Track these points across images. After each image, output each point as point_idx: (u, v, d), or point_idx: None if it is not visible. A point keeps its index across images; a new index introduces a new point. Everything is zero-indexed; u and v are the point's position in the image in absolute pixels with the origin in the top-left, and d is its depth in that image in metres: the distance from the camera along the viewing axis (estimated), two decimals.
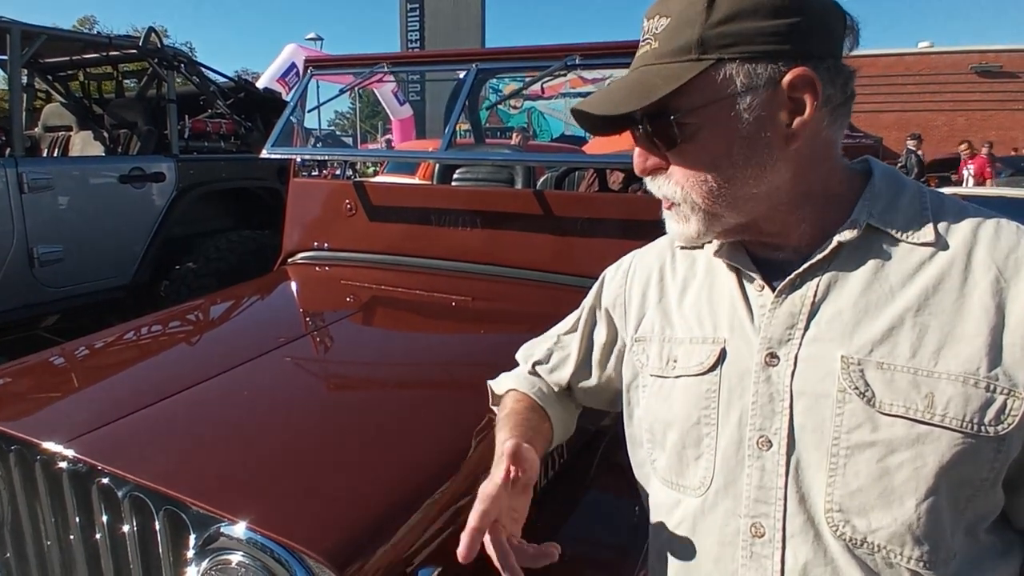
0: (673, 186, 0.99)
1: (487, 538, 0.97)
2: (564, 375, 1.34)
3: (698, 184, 0.96)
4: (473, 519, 0.98)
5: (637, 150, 1.01)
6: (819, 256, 0.96)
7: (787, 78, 0.90)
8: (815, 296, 0.96)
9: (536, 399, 1.32)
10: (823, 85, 0.91)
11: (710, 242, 1.12)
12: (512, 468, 1.01)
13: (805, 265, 0.97)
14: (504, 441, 1.11)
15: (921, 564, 0.87)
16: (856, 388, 0.89)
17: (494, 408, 1.46)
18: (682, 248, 1.18)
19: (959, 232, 0.94)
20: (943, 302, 0.90)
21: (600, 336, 1.30)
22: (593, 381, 1.32)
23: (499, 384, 1.43)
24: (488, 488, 1.01)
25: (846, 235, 0.96)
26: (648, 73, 0.95)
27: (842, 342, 0.92)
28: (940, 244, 0.94)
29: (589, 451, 1.89)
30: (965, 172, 14.20)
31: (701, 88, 0.91)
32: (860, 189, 1.01)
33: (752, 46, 0.90)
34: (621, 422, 1.26)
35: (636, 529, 1.58)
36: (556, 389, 1.36)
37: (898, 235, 0.95)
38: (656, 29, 0.94)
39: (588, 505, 1.82)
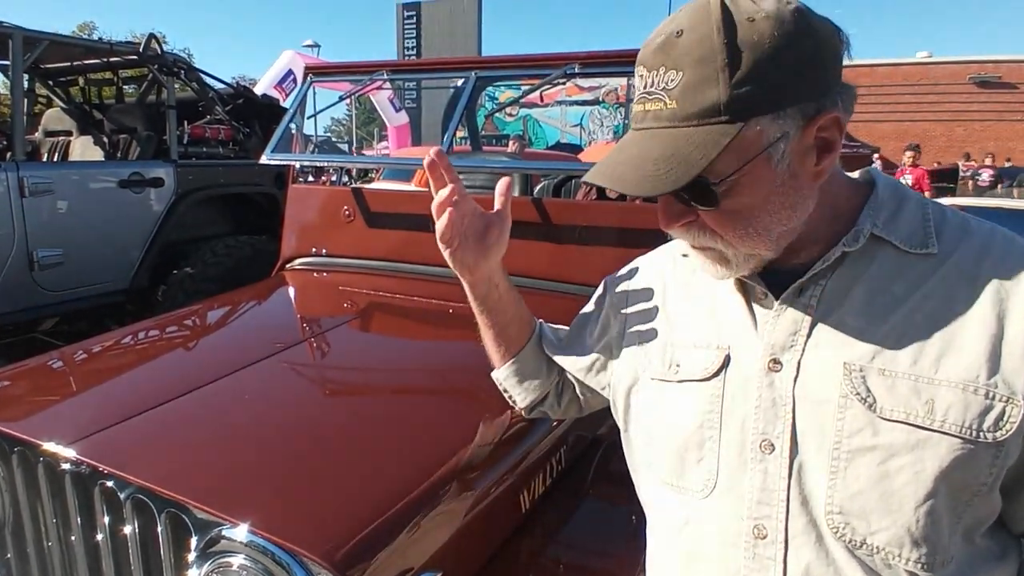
0: (710, 237, 0.97)
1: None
2: (558, 348, 1.36)
3: (736, 235, 0.95)
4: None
5: (663, 210, 0.98)
6: (823, 265, 0.98)
7: (818, 122, 0.89)
8: (818, 304, 0.98)
9: (535, 330, 1.38)
10: (843, 116, 0.91)
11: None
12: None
13: (809, 273, 0.98)
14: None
15: (919, 566, 0.89)
16: (858, 394, 0.91)
17: (494, 378, 1.46)
18: (685, 256, 1.19)
19: (961, 243, 0.96)
20: (944, 311, 0.91)
21: (594, 339, 1.30)
22: (586, 378, 1.32)
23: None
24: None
25: (850, 245, 0.97)
26: (675, 139, 0.90)
27: (845, 349, 0.94)
28: (942, 254, 0.95)
29: (586, 459, 1.90)
30: (902, 180, 14.14)
31: (735, 149, 0.88)
32: (863, 200, 1.02)
33: (780, 98, 0.88)
34: (618, 429, 1.27)
35: (634, 537, 1.57)
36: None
37: (901, 245, 0.97)
38: (668, 84, 0.89)
39: (585, 513, 1.82)
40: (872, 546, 0.90)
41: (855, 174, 1.08)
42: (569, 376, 1.36)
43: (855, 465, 0.90)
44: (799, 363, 0.97)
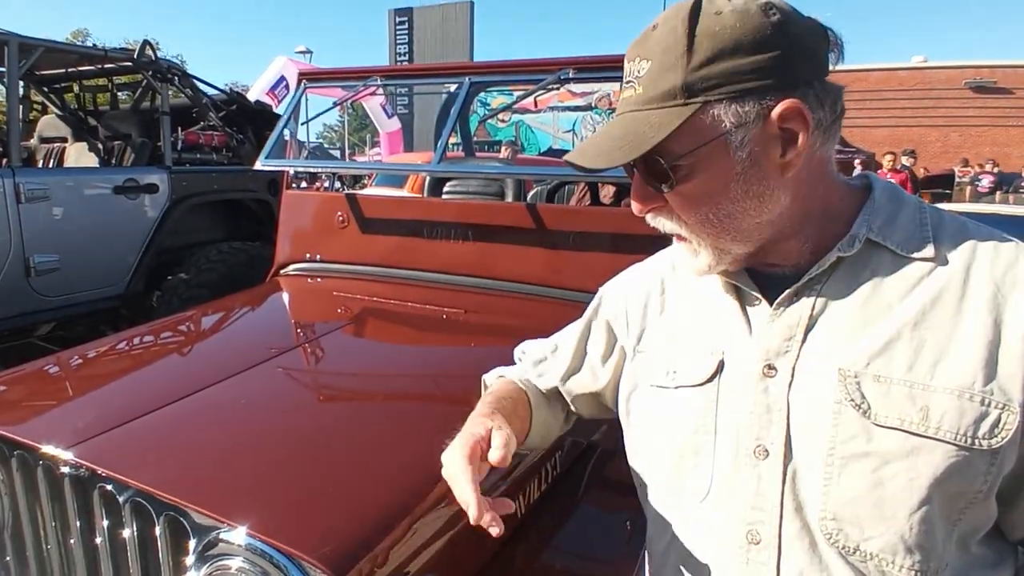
0: (676, 222, 1.00)
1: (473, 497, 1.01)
2: (553, 379, 1.35)
3: (699, 221, 0.97)
4: (468, 492, 1.01)
5: (634, 193, 1.01)
6: (818, 270, 0.98)
7: (776, 111, 0.90)
8: (813, 309, 0.97)
9: (522, 387, 1.34)
10: (812, 110, 0.91)
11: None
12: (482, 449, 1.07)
13: (804, 279, 0.98)
14: (478, 414, 1.17)
15: (913, 573, 0.89)
16: (852, 400, 0.90)
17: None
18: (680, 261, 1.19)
19: (958, 247, 0.95)
20: (941, 316, 0.91)
21: (597, 347, 1.30)
22: (581, 387, 1.33)
23: (491, 375, 1.45)
24: (460, 464, 1.05)
25: (845, 249, 0.97)
26: (636, 121, 0.94)
27: (840, 354, 0.93)
28: (939, 259, 0.95)
29: (580, 464, 1.90)
30: None
31: (690, 132, 0.91)
32: (860, 204, 1.02)
33: (737, 85, 0.89)
34: (612, 435, 1.28)
35: (628, 543, 1.60)
36: (544, 390, 1.37)
37: (897, 250, 0.96)
38: (638, 72, 0.95)
39: (580, 518, 1.82)
40: (865, 552, 0.90)
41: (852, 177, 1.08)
42: (576, 393, 1.35)
43: (849, 471, 0.90)
44: (794, 368, 0.96)
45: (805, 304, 0.98)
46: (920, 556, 0.88)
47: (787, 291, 0.99)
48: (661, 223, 1.02)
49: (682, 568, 1.07)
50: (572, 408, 1.39)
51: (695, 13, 0.90)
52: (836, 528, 0.91)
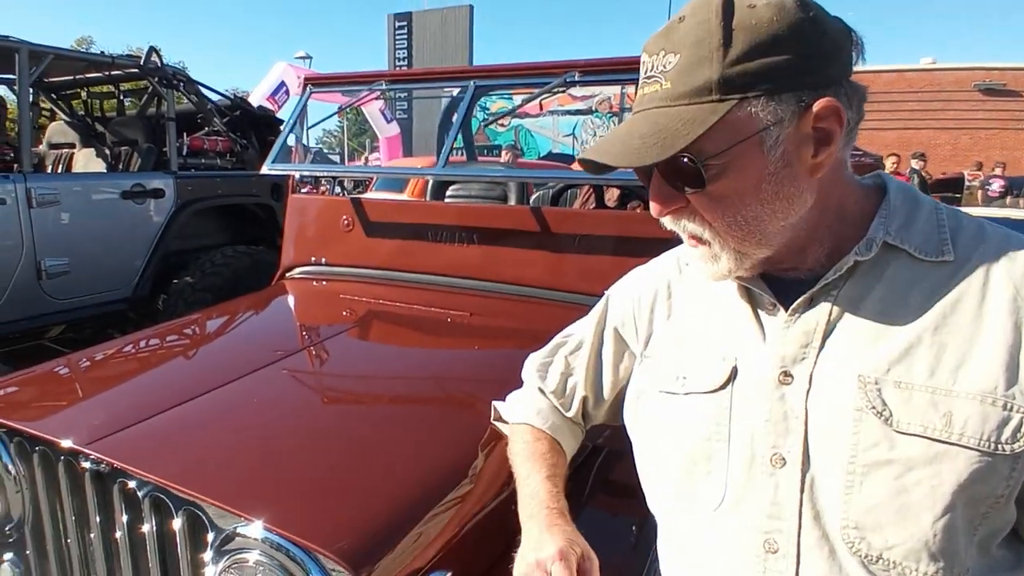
0: (700, 224, 0.96)
1: None
2: (576, 404, 1.35)
3: (726, 223, 0.94)
4: None
5: (654, 194, 0.96)
6: (835, 275, 0.96)
7: (815, 109, 0.88)
8: (830, 315, 0.95)
9: (552, 434, 1.33)
10: (845, 110, 0.90)
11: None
12: None
13: (820, 284, 0.96)
14: (557, 524, 1.12)
15: None
16: (873, 407, 0.89)
17: (495, 424, 1.50)
18: (688, 265, 1.18)
19: (977, 250, 0.94)
20: (961, 320, 0.89)
21: (608, 356, 1.30)
22: (604, 402, 1.33)
23: (510, 412, 1.43)
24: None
25: (862, 253, 0.95)
26: (666, 117, 0.90)
27: (859, 361, 0.92)
28: (958, 262, 0.93)
29: (584, 469, 1.87)
30: None
31: (724, 129, 0.87)
32: (875, 206, 1.00)
33: (774, 82, 0.86)
34: (618, 438, 1.27)
35: (635, 548, 1.59)
36: (566, 414, 1.36)
37: (916, 253, 0.95)
38: (664, 67, 0.90)
39: (585, 523, 1.71)
40: (888, 560, 0.88)
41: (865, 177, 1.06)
42: (594, 412, 1.36)
43: (871, 479, 0.88)
44: (811, 376, 0.95)
45: (822, 310, 0.96)
46: (943, 562, 0.87)
47: (803, 296, 0.98)
48: (682, 226, 0.99)
49: None
50: (590, 422, 1.40)
51: (728, 5, 0.87)
52: (858, 536, 0.89)
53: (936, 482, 0.86)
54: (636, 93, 0.98)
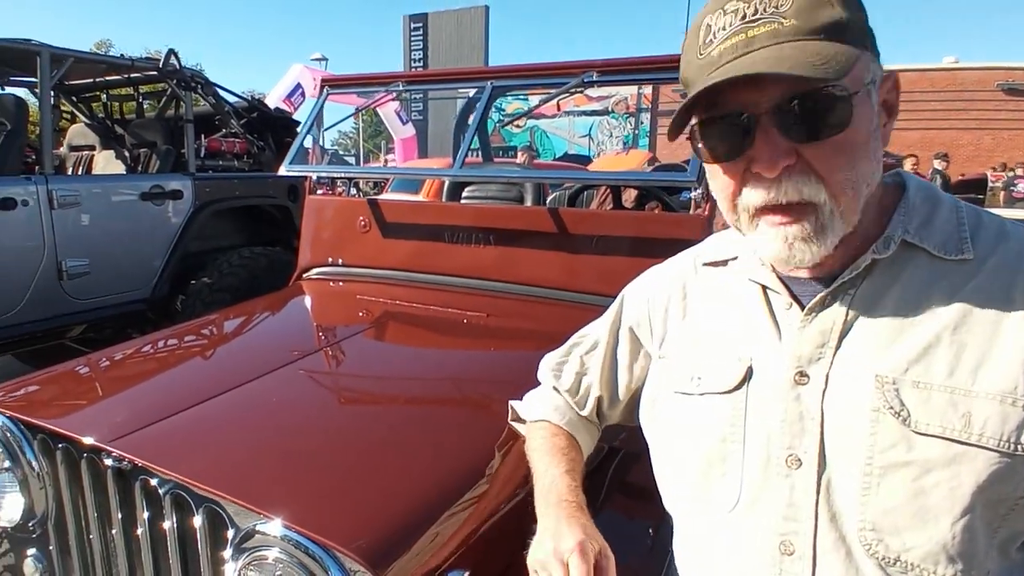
0: (813, 185, 0.88)
1: None
2: (591, 403, 1.35)
3: (844, 179, 0.88)
4: None
5: (771, 148, 0.88)
6: (852, 274, 0.95)
7: (890, 80, 0.89)
8: (847, 314, 0.94)
9: (569, 430, 1.34)
10: None
11: (731, 259, 1.13)
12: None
13: (837, 282, 0.95)
14: (575, 515, 1.12)
15: None
16: (891, 407, 0.88)
17: (513, 424, 1.50)
18: (706, 264, 1.17)
19: (997, 248, 0.92)
20: (981, 320, 0.88)
21: (624, 356, 1.29)
22: (619, 402, 1.33)
23: (528, 410, 1.44)
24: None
25: (881, 251, 0.94)
26: (803, 51, 0.83)
27: (876, 361, 0.91)
28: (978, 261, 0.92)
29: (601, 470, 1.87)
30: None
31: (852, 73, 0.84)
32: (893, 203, 0.99)
33: (871, 40, 0.87)
34: (635, 439, 1.27)
35: (651, 550, 1.59)
36: (580, 413, 1.37)
37: (935, 252, 0.93)
38: (777, 7, 0.85)
39: (602, 525, 1.70)
40: (906, 563, 0.87)
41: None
42: (610, 412, 1.36)
43: (888, 481, 0.87)
44: (827, 376, 0.94)
45: (838, 309, 0.95)
46: (962, 565, 0.86)
47: (819, 296, 0.97)
48: (784, 190, 0.89)
49: None
50: (606, 422, 1.40)
51: None
52: (875, 538, 0.88)
53: (955, 484, 0.85)
54: (722, 45, 0.89)
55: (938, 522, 0.85)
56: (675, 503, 1.14)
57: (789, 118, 0.86)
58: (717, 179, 0.98)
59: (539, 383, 1.48)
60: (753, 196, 0.92)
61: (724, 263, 1.15)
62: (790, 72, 0.81)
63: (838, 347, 0.94)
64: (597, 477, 1.86)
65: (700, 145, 0.96)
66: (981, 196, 14.97)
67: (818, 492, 0.92)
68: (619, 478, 1.89)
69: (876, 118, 0.90)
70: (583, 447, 1.35)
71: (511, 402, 1.51)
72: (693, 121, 0.96)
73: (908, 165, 12.18)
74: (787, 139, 0.87)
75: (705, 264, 1.18)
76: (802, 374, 0.96)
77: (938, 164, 13.51)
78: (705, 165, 1.00)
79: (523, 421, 1.47)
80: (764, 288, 1.04)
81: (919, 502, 0.86)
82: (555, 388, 1.40)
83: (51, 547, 1.74)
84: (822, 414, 0.93)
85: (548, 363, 1.44)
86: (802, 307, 0.99)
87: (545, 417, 1.37)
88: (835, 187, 0.88)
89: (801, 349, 0.96)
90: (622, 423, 1.39)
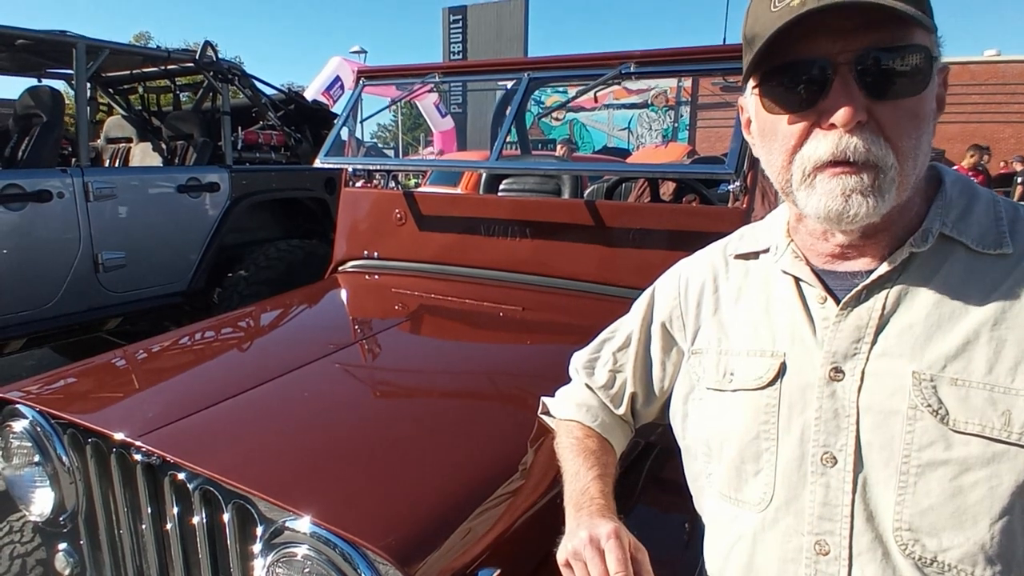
0: (882, 145, 0.86)
1: None
2: (626, 401, 1.32)
3: (909, 144, 0.87)
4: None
5: (847, 98, 0.85)
6: (888, 267, 0.93)
7: (946, 70, 0.89)
8: (884, 309, 0.93)
9: (600, 431, 1.31)
10: None
11: (763, 251, 1.11)
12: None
13: (873, 276, 0.94)
14: (600, 511, 1.10)
15: None
16: (928, 405, 0.86)
17: (542, 417, 1.48)
18: (736, 258, 1.16)
19: None
20: (1021, 315, 0.86)
21: (656, 352, 1.27)
22: (654, 398, 1.30)
23: (559, 407, 1.41)
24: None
25: (918, 245, 0.93)
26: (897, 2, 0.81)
27: (913, 357, 0.89)
28: (1017, 255, 0.91)
29: (636, 466, 1.87)
30: None
31: (929, 42, 0.85)
32: (930, 197, 0.97)
33: (935, 26, 0.87)
34: (669, 436, 1.25)
35: (686, 545, 1.57)
36: (615, 411, 1.34)
37: (973, 246, 0.92)
38: None
39: (636, 520, 1.71)
40: (943, 564, 0.86)
41: None
42: (645, 410, 1.34)
43: (926, 480, 0.86)
44: (863, 372, 0.92)
45: (875, 304, 0.94)
46: (1001, 566, 0.85)
47: (855, 290, 0.95)
48: (854, 146, 0.86)
49: None
50: (639, 420, 1.38)
51: None
52: (912, 539, 0.87)
53: (995, 483, 0.84)
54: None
55: (976, 522, 0.84)
56: (706, 501, 1.13)
57: (869, 71, 0.84)
58: (777, 132, 0.94)
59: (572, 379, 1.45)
60: (820, 148, 0.89)
61: (756, 255, 1.13)
62: (891, 3, 0.80)
63: (874, 343, 0.93)
64: (632, 473, 1.85)
65: (765, 96, 0.94)
66: (1007, 189, 14.80)
67: (854, 491, 0.91)
68: (654, 474, 1.88)
69: (935, 101, 0.89)
70: (616, 448, 1.33)
71: (542, 398, 1.49)
72: (752, 82, 0.96)
73: (968, 160, 11.87)
74: (864, 93, 0.85)
75: (736, 257, 1.16)
76: (837, 370, 0.94)
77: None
78: (763, 119, 0.97)
79: (554, 417, 1.44)
80: (797, 281, 1.03)
81: (957, 502, 0.85)
82: (588, 385, 1.38)
83: (82, 542, 1.74)
84: (858, 411, 0.92)
85: (579, 359, 1.42)
86: (837, 301, 0.97)
87: (576, 417, 1.35)
88: (901, 153, 0.87)
89: (836, 345, 0.95)
90: (657, 421, 1.37)
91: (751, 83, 0.97)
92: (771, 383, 1.00)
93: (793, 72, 0.88)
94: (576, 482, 1.20)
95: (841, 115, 0.85)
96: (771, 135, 0.95)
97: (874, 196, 0.87)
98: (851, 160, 0.87)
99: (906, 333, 0.91)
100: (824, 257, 1.01)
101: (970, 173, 11.14)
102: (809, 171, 0.91)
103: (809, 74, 0.87)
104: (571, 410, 1.37)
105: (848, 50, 0.85)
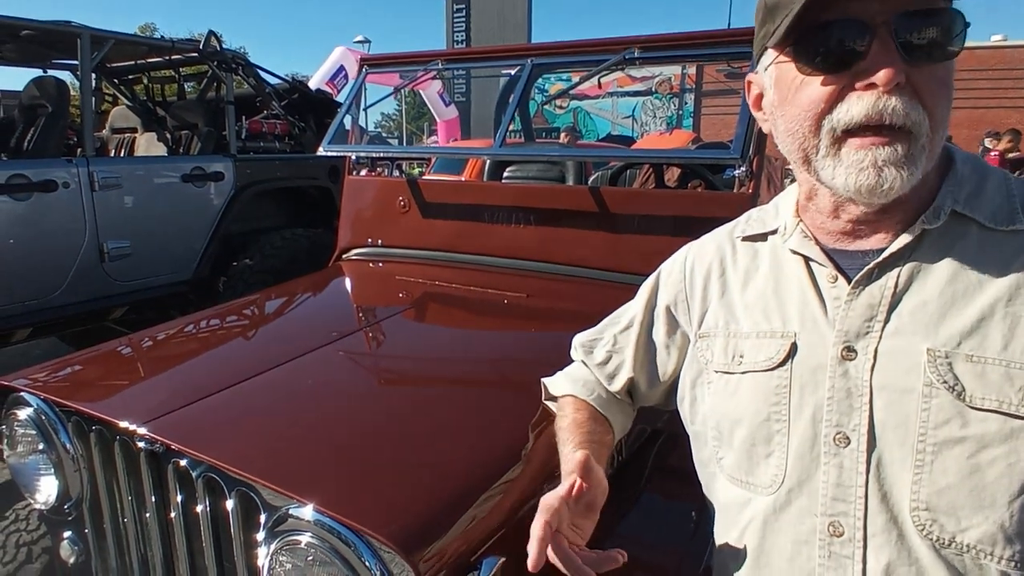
0: (919, 110, 0.86)
1: (550, 548, 0.97)
2: (622, 381, 1.31)
3: (940, 112, 0.87)
4: (536, 529, 0.98)
5: (887, 58, 0.85)
6: (900, 244, 0.93)
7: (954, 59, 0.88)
8: (896, 287, 0.92)
9: (596, 406, 1.31)
10: None
11: (771, 232, 1.10)
12: (579, 483, 0.99)
13: (885, 254, 0.93)
14: (573, 452, 1.11)
15: (1012, 564, 0.84)
16: (944, 382, 0.86)
17: (547, 403, 1.47)
18: (743, 240, 1.15)
19: None
20: None
21: (660, 336, 1.26)
22: (655, 382, 1.29)
23: (556, 385, 1.41)
24: (550, 500, 1.00)
25: (931, 222, 0.92)
26: None
27: (927, 334, 0.89)
28: None
29: (644, 452, 1.86)
30: None
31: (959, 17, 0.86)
32: (941, 175, 0.97)
33: None
34: (677, 422, 1.24)
35: (694, 532, 1.57)
36: (615, 391, 1.33)
37: (986, 222, 0.92)
38: None
39: (643, 506, 1.78)
40: (962, 544, 0.85)
41: None
42: (646, 391, 1.33)
43: (943, 458, 0.85)
44: (875, 351, 0.91)
45: (887, 281, 0.93)
46: (1020, 545, 0.84)
47: (867, 267, 0.94)
48: (903, 102, 0.85)
49: (755, 562, 1.02)
50: (640, 402, 1.37)
51: None
52: (929, 519, 0.86)
53: (1013, 460, 0.83)
54: None
55: (995, 501, 0.83)
56: (716, 485, 1.12)
57: (910, 32, 0.84)
58: (807, 93, 0.92)
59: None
60: (853, 109, 0.87)
61: (764, 237, 1.12)
62: None
63: (886, 321, 0.92)
64: (638, 461, 1.85)
65: (798, 59, 0.92)
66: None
67: (868, 471, 0.90)
68: (661, 461, 1.87)
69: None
70: (614, 425, 1.32)
71: (543, 380, 1.48)
72: (774, 53, 0.96)
73: (988, 142, 11.76)
74: (902, 56, 0.84)
75: (744, 239, 1.15)
76: (849, 349, 0.93)
77: (988, 143, 13.23)
78: (787, 87, 0.95)
79: (554, 398, 1.43)
80: (807, 261, 1.02)
81: (975, 480, 0.84)
82: (583, 362, 1.38)
83: (86, 530, 1.74)
84: (871, 391, 0.91)
85: (580, 340, 1.42)
86: (848, 280, 0.96)
87: (571, 392, 1.35)
88: (935, 120, 0.86)
89: (848, 324, 0.94)
90: (659, 406, 1.36)
91: (770, 54, 0.96)
92: (782, 364, 0.99)
93: (829, 33, 0.87)
94: (561, 455, 1.22)
95: (883, 75, 0.84)
96: (796, 102, 0.93)
97: (908, 167, 0.87)
98: (887, 123, 0.85)
99: (919, 311, 0.90)
100: (834, 236, 1.00)
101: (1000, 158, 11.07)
102: (840, 133, 0.89)
103: (847, 35, 0.86)
104: (567, 386, 1.37)
105: (886, 11, 0.84)
